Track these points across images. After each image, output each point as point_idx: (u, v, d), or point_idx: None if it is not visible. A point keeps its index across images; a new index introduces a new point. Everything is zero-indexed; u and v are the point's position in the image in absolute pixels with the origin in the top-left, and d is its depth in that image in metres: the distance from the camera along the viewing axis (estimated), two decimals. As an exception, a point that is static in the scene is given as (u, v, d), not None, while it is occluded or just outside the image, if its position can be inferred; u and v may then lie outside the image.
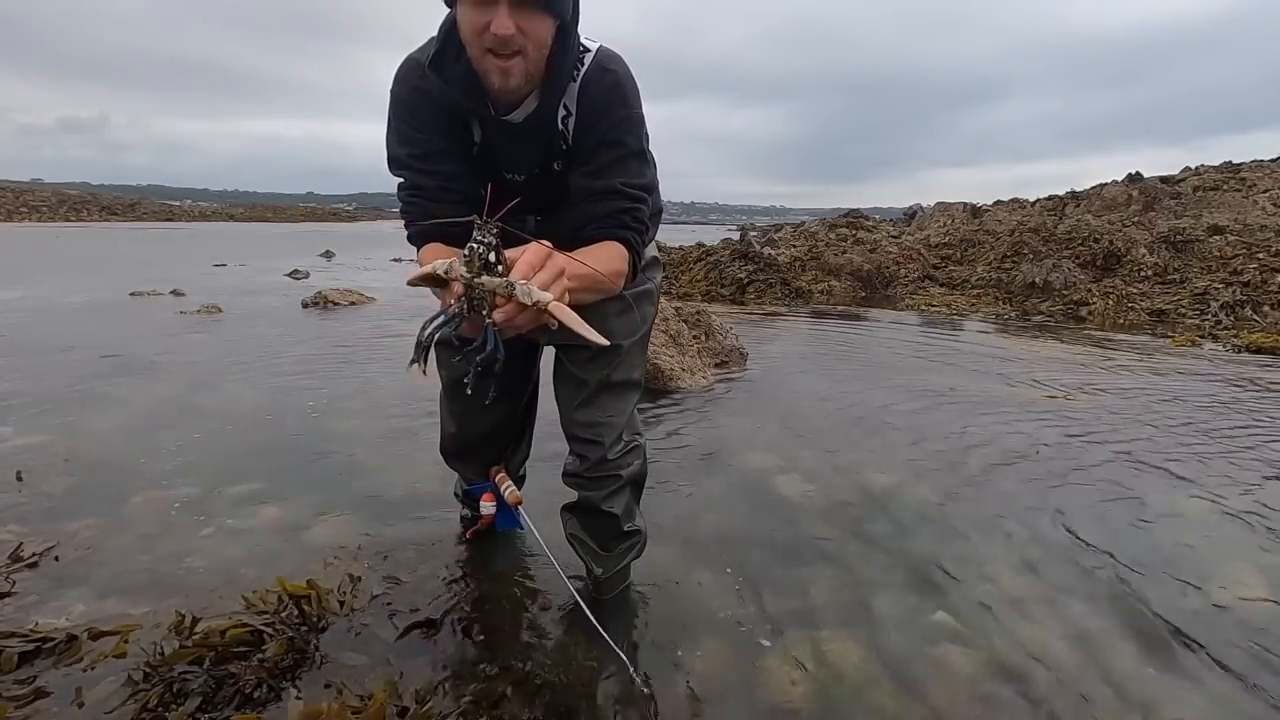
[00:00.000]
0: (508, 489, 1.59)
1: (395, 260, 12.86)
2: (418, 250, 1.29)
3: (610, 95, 1.21)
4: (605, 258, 1.18)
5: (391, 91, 1.24)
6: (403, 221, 1.30)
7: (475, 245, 0.91)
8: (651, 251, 1.47)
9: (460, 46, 1.14)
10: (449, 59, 1.17)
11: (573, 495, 1.55)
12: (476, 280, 0.91)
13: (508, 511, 1.62)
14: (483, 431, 1.64)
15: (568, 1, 1.12)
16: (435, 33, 1.21)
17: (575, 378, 1.45)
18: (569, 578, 1.49)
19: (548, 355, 1.58)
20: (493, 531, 1.78)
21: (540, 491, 1.86)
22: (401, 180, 1.28)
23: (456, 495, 1.87)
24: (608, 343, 0.94)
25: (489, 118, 1.21)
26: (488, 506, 1.65)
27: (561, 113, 1.22)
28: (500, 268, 0.93)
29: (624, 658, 1.31)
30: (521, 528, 1.66)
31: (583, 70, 1.20)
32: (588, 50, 1.21)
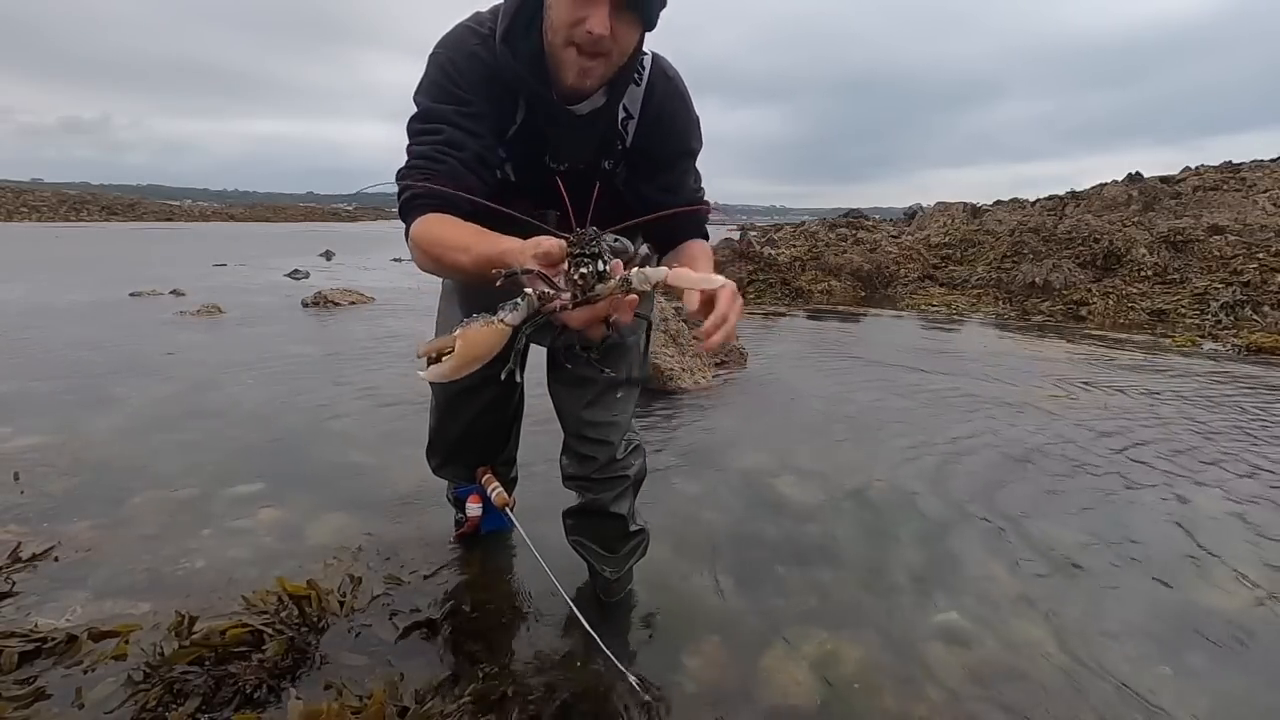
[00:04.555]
0: (494, 490, 1.57)
1: (395, 260, 12.85)
2: (415, 214, 1.09)
3: (678, 105, 1.24)
4: (706, 258, 1.25)
5: (437, 54, 1.15)
6: (412, 178, 1.09)
7: (584, 261, 0.81)
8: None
9: (529, 24, 1.11)
10: (517, 35, 1.12)
11: (569, 499, 1.55)
12: (592, 291, 0.82)
13: (494, 513, 1.62)
14: (475, 431, 1.60)
15: (658, 12, 1.09)
16: (484, 8, 1.18)
17: (579, 376, 1.41)
18: (559, 580, 1.49)
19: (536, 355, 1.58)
20: (485, 533, 1.79)
21: (530, 494, 1.86)
22: (426, 132, 1.11)
23: (449, 499, 1.86)
24: (716, 285, 0.89)
25: (550, 102, 1.15)
26: (474, 509, 1.65)
27: (621, 114, 1.21)
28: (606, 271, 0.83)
29: (618, 663, 1.29)
30: (508, 529, 1.65)
31: (645, 75, 1.20)
32: (645, 54, 1.21)
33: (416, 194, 1.08)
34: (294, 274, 9.42)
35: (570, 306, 0.83)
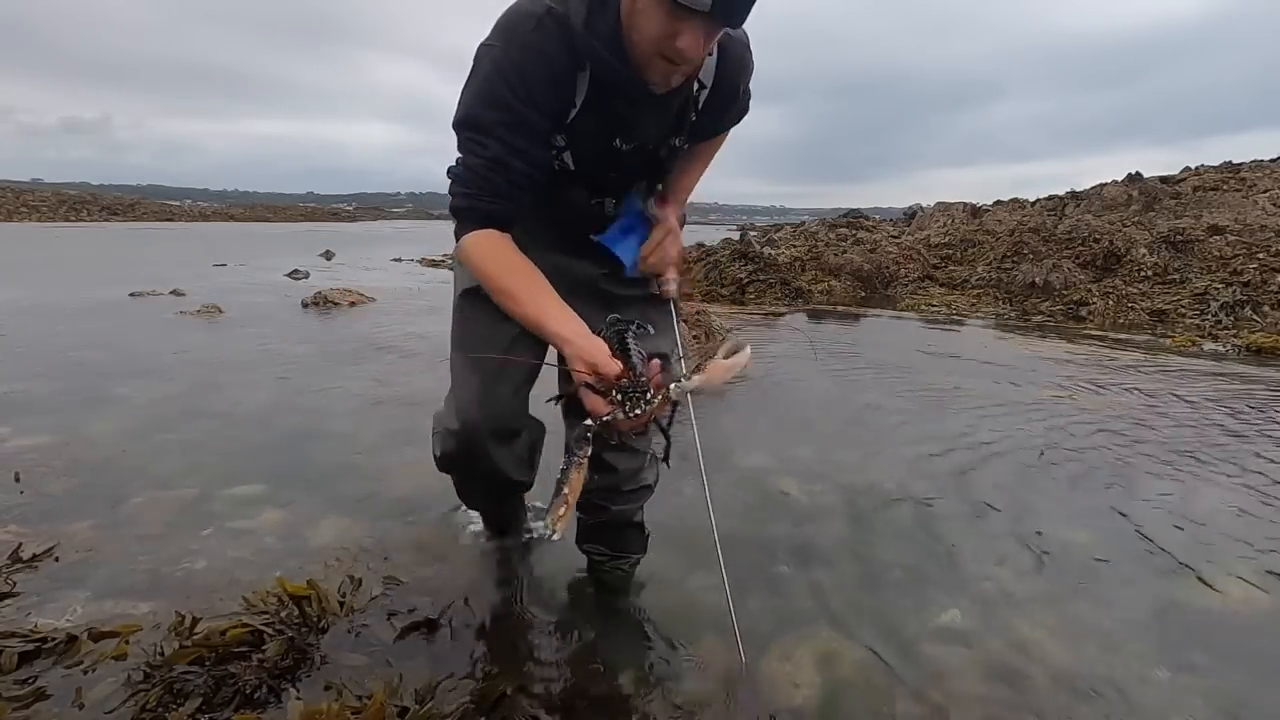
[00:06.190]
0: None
1: (396, 260, 12.86)
2: (465, 227, 1.12)
3: (745, 62, 1.23)
4: (705, 157, 1.39)
5: (491, 46, 1.07)
6: (458, 192, 1.11)
7: (633, 400, 1.00)
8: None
9: (603, 3, 1.03)
10: (594, 15, 1.04)
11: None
12: (638, 410, 1.00)
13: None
14: (511, 408, 1.35)
15: (748, 15, 1.02)
16: None
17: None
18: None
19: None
20: (490, 534, 1.78)
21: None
22: (474, 144, 1.09)
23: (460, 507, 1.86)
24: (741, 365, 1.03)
25: (631, 82, 1.08)
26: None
27: (695, 86, 1.18)
28: (642, 373, 1.03)
29: (740, 645, 1.30)
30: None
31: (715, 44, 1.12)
32: None
33: (462, 208, 1.12)
34: (294, 274, 9.42)
35: (617, 418, 1.00)
